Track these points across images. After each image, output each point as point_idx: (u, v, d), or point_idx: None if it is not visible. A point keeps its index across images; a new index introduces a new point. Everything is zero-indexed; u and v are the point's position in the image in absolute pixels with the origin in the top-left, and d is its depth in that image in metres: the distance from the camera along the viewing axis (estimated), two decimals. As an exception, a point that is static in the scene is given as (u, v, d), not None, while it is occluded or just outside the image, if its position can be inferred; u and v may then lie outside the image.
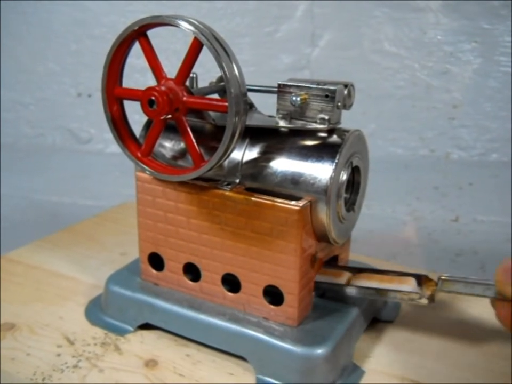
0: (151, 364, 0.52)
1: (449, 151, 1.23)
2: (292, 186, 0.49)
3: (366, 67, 1.29)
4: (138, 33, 0.49)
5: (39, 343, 0.55)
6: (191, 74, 0.54)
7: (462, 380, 0.51)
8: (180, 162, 0.54)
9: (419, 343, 0.56)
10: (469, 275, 0.52)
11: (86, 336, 0.56)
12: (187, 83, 0.49)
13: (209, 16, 1.30)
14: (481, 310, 0.62)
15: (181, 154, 0.54)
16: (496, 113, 1.30)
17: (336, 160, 0.47)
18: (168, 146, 0.55)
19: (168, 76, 0.49)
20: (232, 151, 0.47)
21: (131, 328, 0.57)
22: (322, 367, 0.49)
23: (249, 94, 0.51)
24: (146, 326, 0.57)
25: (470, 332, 0.58)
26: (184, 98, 0.47)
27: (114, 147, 1.36)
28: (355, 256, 0.64)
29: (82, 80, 1.39)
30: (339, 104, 0.49)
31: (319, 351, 0.48)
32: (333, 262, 0.57)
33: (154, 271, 0.58)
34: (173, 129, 0.53)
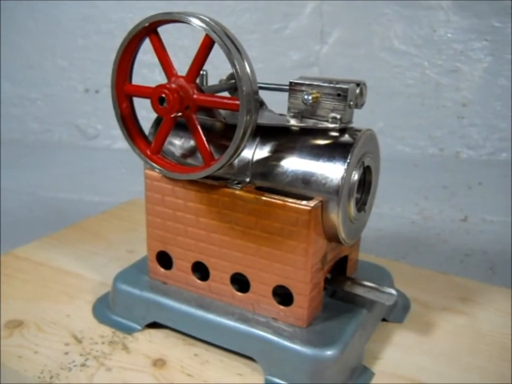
0: (159, 363, 0.52)
1: (458, 150, 1.24)
2: (303, 186, 0.48)
3: (375, 65, 1.29)
4: (148, 30, 0.49)
5: (47, 341, 0.55)
6: (201, 72, 0.54)
7: (471, 381, 0.50)
8: (190, 161, 0.53)
9: (429, 345, 0.56)
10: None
11: (93, 335, 0.56)
12: (197, 80, 0.49)
13: (218, 12, 1.30)
14: (491, 313, 0.61)
15: (191, 153, 0.53)
16: (505, 113, 1.30)
17: (348, 160, 0.47)
18: (177, 144, 0.55)
19: (178, 73, 0.48)
20: (242, 149, 0.47)
21: (139, 327, 0.57)
22: (332, 369, 0.48)
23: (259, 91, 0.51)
24: (154, 325, 0.57)
25: (479, 335, 0.58)
26: (195, 96, 0.47)
27: (121, 143, 1.38)
28: (364, 256, 0.64)
29: (90, 75, 1.39)
30: (351, 103, 0.49)
31: (329, 352, 0.48)
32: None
33: (162, 270, 0.58)
34: (182, 127, 0.53)
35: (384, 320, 0.59)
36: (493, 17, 1.27)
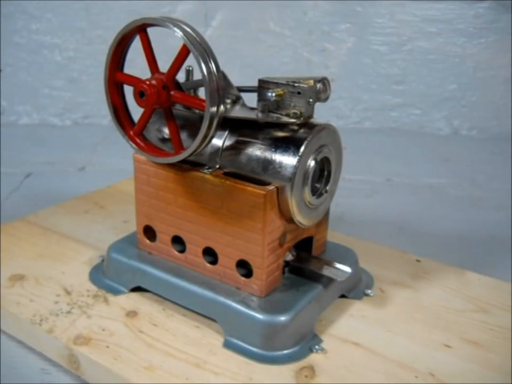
0: (131, 314, 0.61)
1: (328, 120, 1.38)
2: (263, 172, 0.54)
3: (253, 45, 1.47)
4: (139, 29, 0.55)
5: (42, 292, 0.64)
6: (188, 68, 0.61)
7: (398, 344, 0.58)
8: (167, 146, 0.60)
9: (368, 312, 0.63)
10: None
11: (81, 289, 0.65)
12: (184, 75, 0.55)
13: None
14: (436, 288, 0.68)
15: (169, 139, 0.60)
16: (368, 86, 1.50)
17: (301, 151, 0.53)
18: (164, 130, 0.62)
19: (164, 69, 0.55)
20: (210, 139, 0.53)
21: (125, 290, 0.65)
22: (282, 333, 0.55)
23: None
24: (138, 289, 0.64)
25: (419, 306, 0.64)
26: (172, 93, 0.53)
27: (26, 119, 1.48)
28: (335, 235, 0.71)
29: None
30: (310, 100, 0.54)
31: (281, 318, 0.55)
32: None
33: (148, 242, 0.65)
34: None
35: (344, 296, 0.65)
36: (355, 2, 1.45)
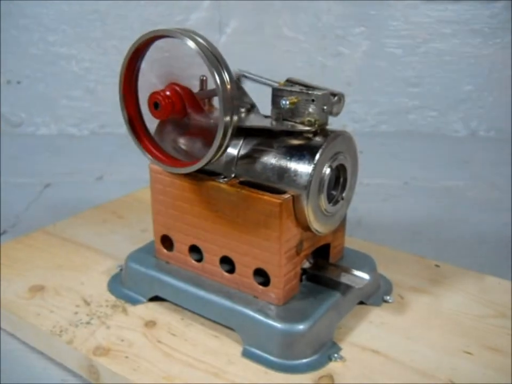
0: (150, 324, 0.61)
1: (344, 124, 1.43)
2: (278, 181, 0.54)
3: (267, 51, 1.49)
4: (152, 41, 0.55)
5: (61, 302, 0.65)
6: (201, 77, 0.61)
7: (416, 351, 0.57)
8: (182, 156, 0.60)
9: (387, 319, 0.62)
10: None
11: (100, 299, 0.65)
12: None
13: (125, 6, 1.43)
14: (455, 293, 0.67)
15: (184, 150, 0.60)
16: (383, 89, 1.51)
17: (316, 159, 0.53)
18: (179, 140, 0.62)
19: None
20: (225, 149, 0.53)
21: (144, 299, 0.65)
22: (301, 342, 0.55)
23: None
24: (156, 298, 0.65)
25: (438, 312, 0.64)
26: (186, 103, 0.54)
27: (44, 129, 1.51)
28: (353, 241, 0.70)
29: (11, 68, 1.50)
30: (325, 108, 0.54)
31: (299, 327, 0.55)
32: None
33: (165, 251, 0.65)
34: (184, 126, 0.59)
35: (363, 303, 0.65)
36: (369, 5, 1.45)
